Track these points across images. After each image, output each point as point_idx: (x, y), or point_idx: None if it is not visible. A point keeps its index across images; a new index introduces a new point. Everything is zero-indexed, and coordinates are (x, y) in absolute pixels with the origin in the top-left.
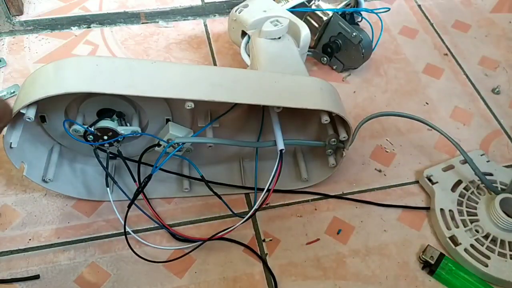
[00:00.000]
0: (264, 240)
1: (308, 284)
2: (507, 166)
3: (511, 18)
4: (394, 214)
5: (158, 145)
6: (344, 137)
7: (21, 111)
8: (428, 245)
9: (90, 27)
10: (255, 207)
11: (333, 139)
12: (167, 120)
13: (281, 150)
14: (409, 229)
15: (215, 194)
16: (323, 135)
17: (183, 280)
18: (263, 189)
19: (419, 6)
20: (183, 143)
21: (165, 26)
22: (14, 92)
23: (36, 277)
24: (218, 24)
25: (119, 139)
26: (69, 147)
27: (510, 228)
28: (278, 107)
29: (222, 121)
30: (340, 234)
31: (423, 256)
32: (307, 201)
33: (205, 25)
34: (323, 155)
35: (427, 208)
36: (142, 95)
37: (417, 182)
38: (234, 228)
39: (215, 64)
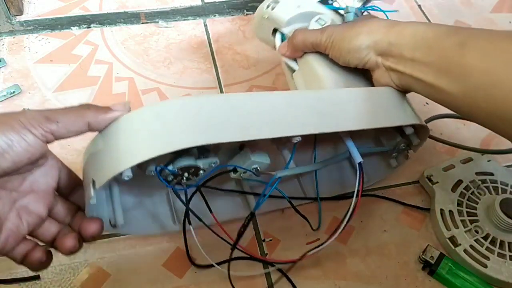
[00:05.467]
0: (264, 240)
1: (308, 284)
2: (508, 166)
3: (511, 18)
4: (394, 214)
5: (234, 171)
6: (418, 142)
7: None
8: (428, 245)
9: (90, 27)
10: (348, 217)
11: (402, 144)
12: (241, 146)
13: (359, 163)
14: (409, 229)
15: (298, 212)
16: (377, 138)
17: (183, 280)
18: (323, 198)
19: (419, 6)
20: (280, 177)
21: (165, 26)
22: (14, 92)
23: (36, 277)
24: (218, 24)
25: (201, 174)
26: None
27: (509, 229)
28: None
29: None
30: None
31: (423, 256)
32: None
33: (205, 25)
34: (375, 156)
35: (427, 209)
36: (257, 138)
37: (417, 182)
38: (326, 245)
39: (215, 64)
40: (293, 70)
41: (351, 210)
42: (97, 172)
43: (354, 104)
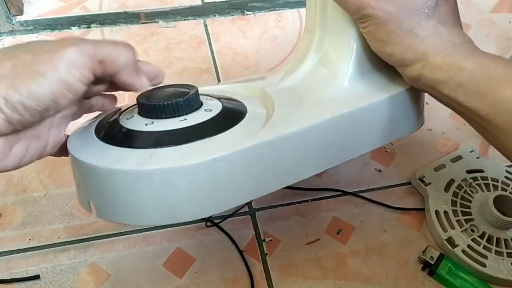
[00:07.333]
0: (264, 240)
1: (308, 284)
2: (508, 166)
3: (511, 18)
4: (394, 214)
5: None
6: None
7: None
8: (428, 245)
9: (90, 27)
10: None
11: None
12: None
13: None
14: (409, 229)
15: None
16: None
17: (183, 280)
18: None
19: None
20: None
21: (165, 26)
22: None
23: (36, 277)
24: (218, 24)
25: None
26: None
27: (504, 226)
28: None
29: None
30: (340, 234)
31: (423, 256)
32: (307, 201)
33: (205, 25)
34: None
35: (421, 209)
36: (263, 194)
37: (409, 183)
38: None
39: (215, 65)
40: None
41: None
42: (97, 201)
43: (373, 128)
